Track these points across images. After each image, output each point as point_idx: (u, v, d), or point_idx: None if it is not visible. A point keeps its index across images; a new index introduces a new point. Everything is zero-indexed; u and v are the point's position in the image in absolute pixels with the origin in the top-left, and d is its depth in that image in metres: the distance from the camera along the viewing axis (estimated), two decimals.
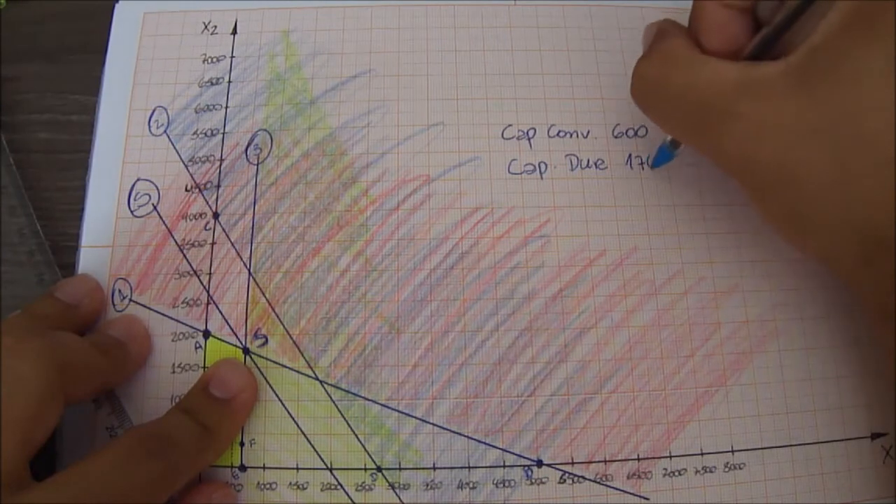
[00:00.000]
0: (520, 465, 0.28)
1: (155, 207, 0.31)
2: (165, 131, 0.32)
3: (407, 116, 0.32)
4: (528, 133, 0.32)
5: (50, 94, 0.33)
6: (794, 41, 0.23)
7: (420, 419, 0.29)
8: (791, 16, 0.23)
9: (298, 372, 0.29)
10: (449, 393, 0.29)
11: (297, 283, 0.30)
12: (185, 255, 0.30)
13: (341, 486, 0.28)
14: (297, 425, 0.28)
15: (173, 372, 0.29)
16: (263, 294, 0.30)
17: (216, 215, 0.31)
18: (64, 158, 0.32)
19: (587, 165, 0.32)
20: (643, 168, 0.32)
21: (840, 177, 0.22)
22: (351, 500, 0.28)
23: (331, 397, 0.29)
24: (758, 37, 0.24)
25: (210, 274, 0.30)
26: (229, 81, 0.33)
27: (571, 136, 0.32)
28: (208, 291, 0.30)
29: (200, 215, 0.31)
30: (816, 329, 0.30)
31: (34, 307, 0.27)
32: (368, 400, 0.29)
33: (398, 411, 0.29)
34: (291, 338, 0.29)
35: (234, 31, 0.34)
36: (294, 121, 0.32)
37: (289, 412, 0.29)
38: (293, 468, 0.28)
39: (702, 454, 0.29)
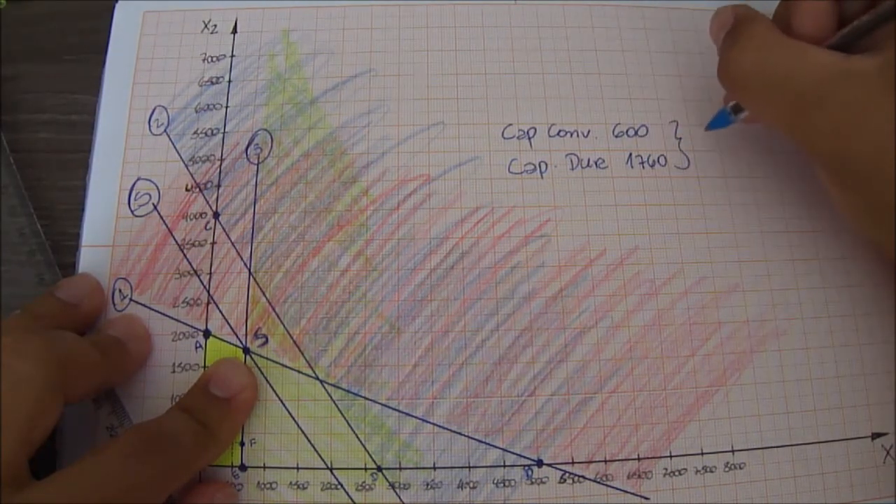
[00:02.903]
0: (520, 465, 0.28)
1: (155, 207, 0.31)
2: (165, 131, 0.32)
3: (407, 116, 0.32)
4: (528, 132, 0.32)
5: (50, 94, 0.33)
6: (876, 39, 0.24)
7: (420, 419, 0.29)
8: (886, 14, 0.24)
9: (299, 372, 0.29)
10: (449, 393, 0.29)
11: (297, 283, 0.30)
12: (185, 255, 0.30)
13: (341, 485, 0.28)
14: (298, 425, 0.28)
15: (173, 371, 0.29)
16: (264, 294, 0.30)
17: (216, 215, 0.31)
18: (64, 158, 0.32)
19: (587, 165, 0.32)
20: (643, 168, 0.32)
21: None
22: (351, 499, 0.28)
23: (331, 397, 0.29)
24: (848, 28, 0.25)
25: (210, 273, 0.30)
26: (229, 81, 0.33)
27: (572, 135, 0.32)
28: (208, 291, 0.30)
29: (200, 215, 0.31)
30: (816, 329, 0.30)
31: (34, 306, 0.27)
32: (369, 400, 0.29)
33: (398, 411, 0.29)
34: (292, 337, 0.29)
35: (235, 31, 0.34)
36: (294, 120, 0.32)
37: (289, 412, 0.29)
38: (293, 468, 0.28)
39: (702, 454, 0.29)
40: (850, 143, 0.24)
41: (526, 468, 0.28)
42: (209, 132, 0.32)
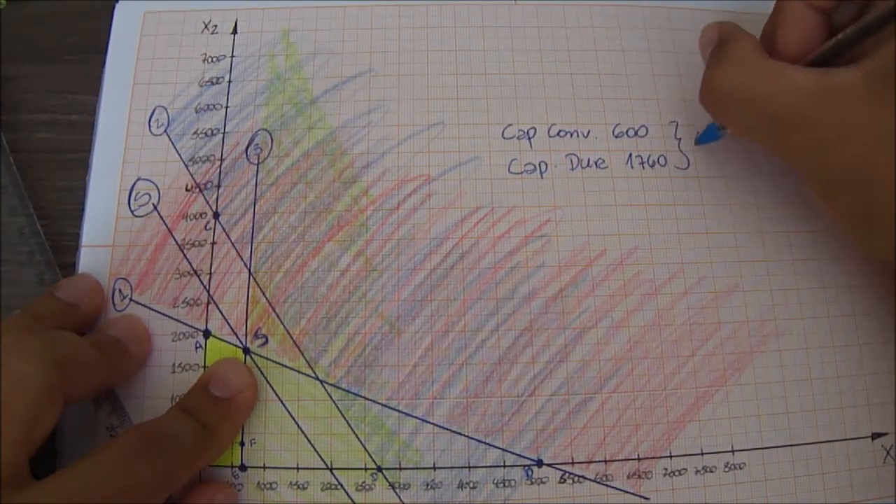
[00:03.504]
0: (520, 465, 0.28)
1: (155, 207, 0.31)
2: (165, 131, 0.32)
3: (407, 116, 0.32)
4: (528, 133, 0.32)
5: (50, 94, 0.33)
6: (865, 48, 0.24)
7: (420, 419, 0.29)
8: (871, 25, 0.24)
9: (299, 372, 0.29)
10: (449, 393, 0.29)
11: (297, 283, 0.30)
12: (185, 255, 0.30)
13: (341, 485, 0.28)
14: (298, 425, 0.28)
15: (173, 372, 0.29)
16: (264, 294, 0.30)
17: (216, 215, 0.31)
18: (64, 158, 0.32)
19: (587, 165, 0.32)
20: (643, 168, 0.32)
21: None
22: (351, 499, 0.28)
23: (331, 397, 0.29)
24: (833, 40, 0.25)
25: (210, 274, 0.30)
26: (229, 81, 0.33)
27: (572, 135, 0.32)
28: (208, 291, 0.30)
29: (200, 215, 0.31)
30: (816, 329, 0.30)
31: (34, 306, 0.27)
32: (369, 400, 0.29)
33: (398, 411, 0.29)
34: (292, 338, 0.29)
35: (235, 31, 0.34)
36: (294, 120, 0.32)
37: (289, 412, 0.29)
38: (293, 468, 0.28)
39: (702, 454, 0.29)
40: (835, 157, 0.24)
41: (526, 468, 0.28)
42: (209, 132, 0.32)
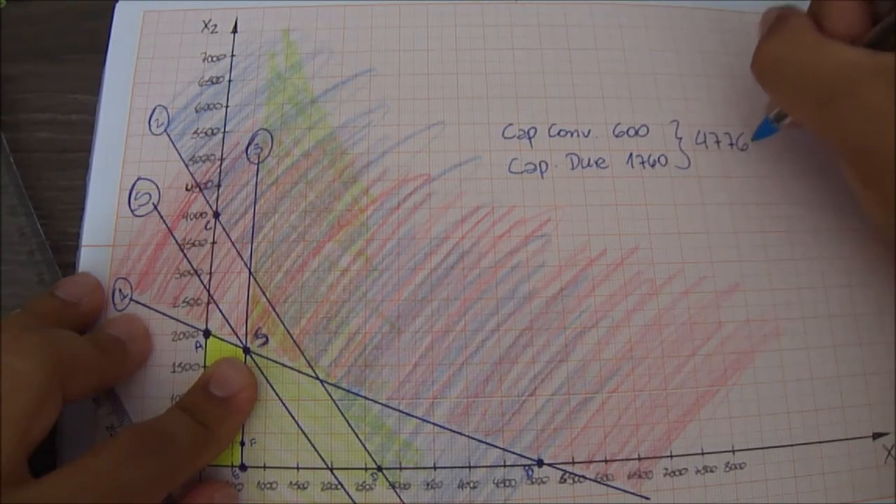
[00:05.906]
0: (520, 465, 0.28)
1: (155, 207, 0.31)
2: (166, 130, 0.32)
3: (407, 116, 0.32)
4: (528, 132, 0.32)
5: (50, 93, 0.33)
6: None
7: (420, 419, 0.29)
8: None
9: (299, 371, 0.29)
10: (449, 392, 0.29)
11: (297, 283, 0.30)
12: (185, 255, 0.30)
13: (342, 485, 0.28)
14: (298, 425, 0.28)
15: (173, 371, 0.29)
16: (264, 293, 0.30)
17: (217, 214, 0.31)
18: (64, 158, 0.32)
19: (588, 164, 0.32)
20: (644, 167, 0.32)
21: None
22: (351, 499, 0.28)
23: (331, 397, 0.29)
24: (879, 26, 0.25)
25: (210, 273, 0.30)
26: (230, 80, 0.33)
27: (572, 135, 0.32)
28: (209, 291, 0.30)
29: (201, 214, 0.31)
30: (817, 329, 0.30)
31: (34, 305, 0.27)
32: (369, 399, 0.29)
33: (399, 411, 0.29)
34: (292, 337, 0.29)
35: (235, 30, 0.34)
36: (294, 120, 0.32)
37: (289, 411, 0.28)
38: (294, 468, 0.28)
39: (702, 454, 0.29)
40: (874, 138, 0.24)
41: (526, 468, 0.28)
42: (209, 132, 0.32)
